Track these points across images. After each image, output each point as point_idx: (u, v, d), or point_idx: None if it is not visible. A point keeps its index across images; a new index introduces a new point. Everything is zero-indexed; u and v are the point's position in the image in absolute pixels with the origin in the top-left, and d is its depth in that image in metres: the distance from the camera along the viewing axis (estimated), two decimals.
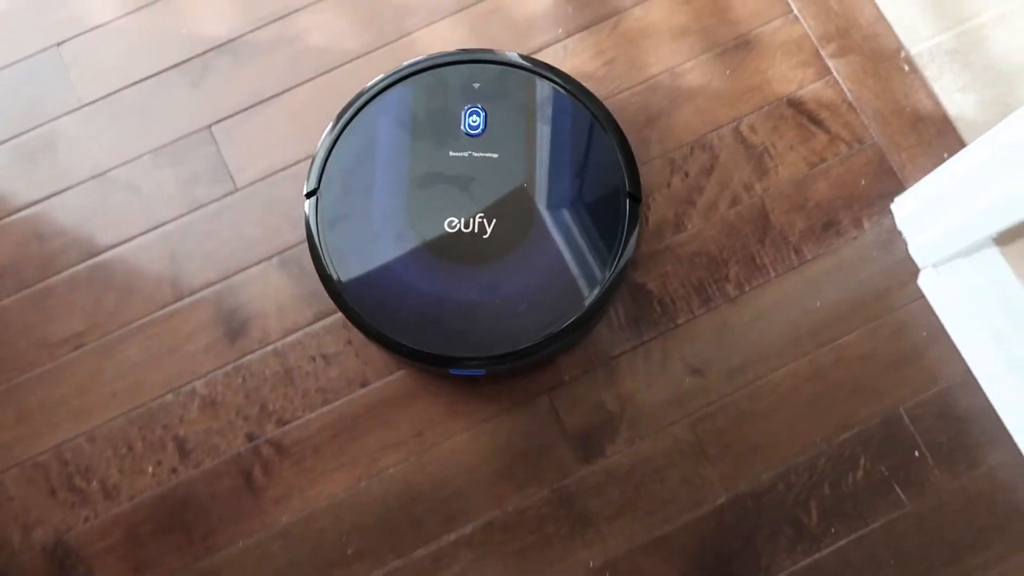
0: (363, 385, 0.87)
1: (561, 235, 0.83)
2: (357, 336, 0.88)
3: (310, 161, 0.86)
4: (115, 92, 0.95)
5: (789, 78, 0.94)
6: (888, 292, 0.88)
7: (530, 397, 0.86)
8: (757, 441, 0.85)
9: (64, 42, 0.97)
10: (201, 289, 0.90)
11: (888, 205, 0.90)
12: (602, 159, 0.85)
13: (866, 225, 0.90)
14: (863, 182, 0.91)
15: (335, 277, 0.82)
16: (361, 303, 0.82)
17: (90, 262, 0.90)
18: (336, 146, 0.85)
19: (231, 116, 0.94)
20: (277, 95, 0.95)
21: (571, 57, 0.94)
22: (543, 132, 0.85)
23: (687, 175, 0.91)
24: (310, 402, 0.87)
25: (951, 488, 0.83)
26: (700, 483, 0.84)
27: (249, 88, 0.95)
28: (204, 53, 0.96)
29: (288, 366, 0.88)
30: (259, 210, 0.91)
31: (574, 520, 0.84)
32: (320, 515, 0.84)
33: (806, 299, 0.88)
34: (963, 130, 0.92)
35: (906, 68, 0.94)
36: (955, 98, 0.93)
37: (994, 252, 0.76)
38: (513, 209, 0.83)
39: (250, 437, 0.86)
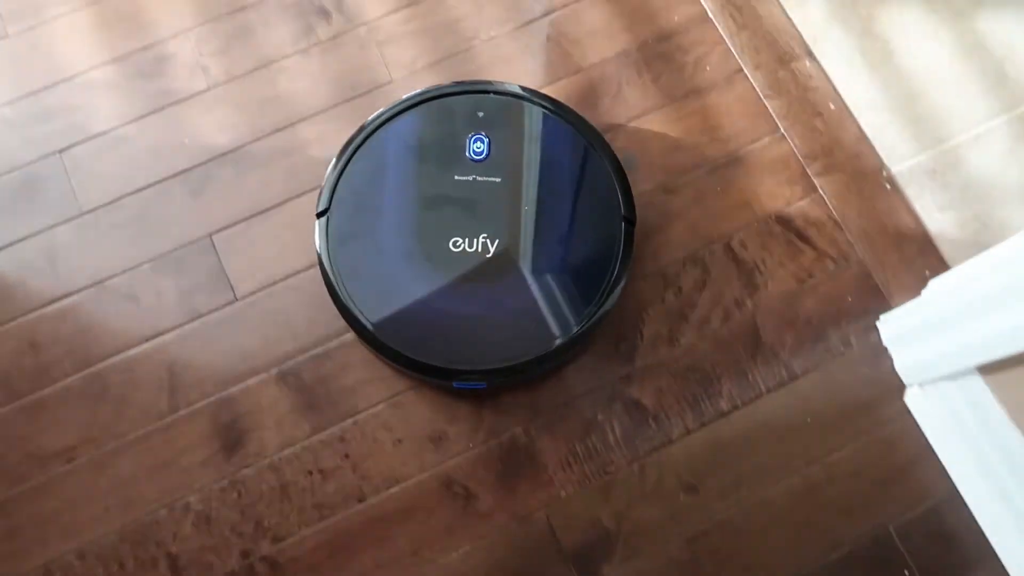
0: (360, 500, 0.87)
1: (561, 254, 0.89)
2: (354, 450, 0.88)
3: (322, 185, 0.91)
4: (116, 200, 0.96)
5: (777, 195, 0.97)
6: (877, 407, 0.90)
7: (527, 513, 0.87)
8: (751, 560, 0.85)
9: (66, 149, 0.98)
10: (198, 401, 0.90)
11: (874, 322, 0.93)
12: (598, 184, 0.91)
13: (853, 341, 0.92)
14: (850, 299, 0.93)
15: (344, 294, 0.87)
16: (368, 318, 0.86)
17: (85, 372, 0.90)
18: (346, 170, 0.91)
19: (232, 226, 0.95)
20: (277, 205, 0.96)
21: None
22: (543, 158, 0.92)
23: (680, 290, 0.93)
24: (306, 518, 0.87)
25: None
26: None
27: (250, 198, 0.96)
28: (205, 162, 0.97)
29: (284, 481, 0.87)
30: (258, 321, 0.92)
31: None
32: None
33: (797, 415, 0.90)
34: (944, 248, 0.95)
35: (888, 187, 0.97)
36: (935, 217, 0.97)
37: (977, 379, 0.79)
38: (515, 230, 0.88)
39: (244, 555, 0.85)
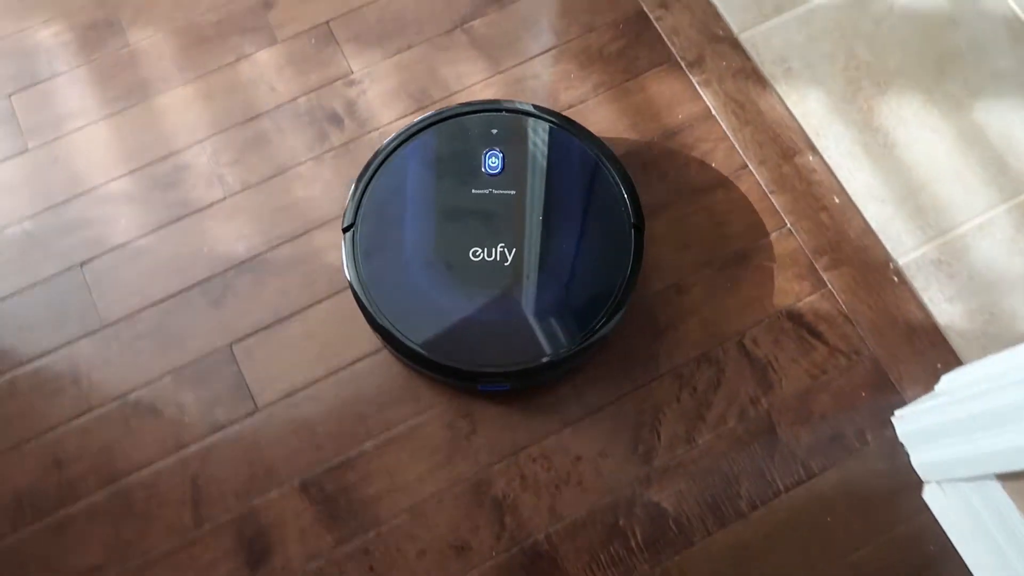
0: None
1: (575, 259, 0.94)
2: (379, 562, 0.89)
3: (347, 201, 0.96)
4: (137, 312, 0.97)
5: (787, 291, 0.99)
6: (896, 504, 0.91)
7: None
8: None
9: (87, 262, 0.99)
10: (222, 515, 0.90)
11: (889, 417, 0.94)
12: (607, 193, 0.97)
13: (869, 437, 0.93)
14: (863, 394, 0.95)
15: (371, 303, 0.92)
16: (395, 325, 0.91)
17: (109, 489, 0.91)
18: (370, 186, 0.97)
19: (251, 335, 0.97)
20: (295, 313, 0.97)
21: None
22: (554, 170, 0.97)
23: (695, 390, 0.95)
24: None
25: None
26: None
27: (268, 307, 0.98)
28: (224, 272, 0.99)
29: None
30: (280, 431, 0.93)
31: None
32: None
33: (816, 513, 0.91)
34: (954, 340, 0.97)
35: (896, 279, 0.99)
36: (944, 308, 0.98)
37: (996, 485, 0.80)
38: (531, 239, 0.94)
39: None
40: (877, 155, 1.04)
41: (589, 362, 0.95)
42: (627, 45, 1.09)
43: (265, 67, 1.08)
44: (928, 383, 0.94)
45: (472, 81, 1.07)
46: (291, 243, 1.00)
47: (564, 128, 0.99)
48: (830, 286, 0.99)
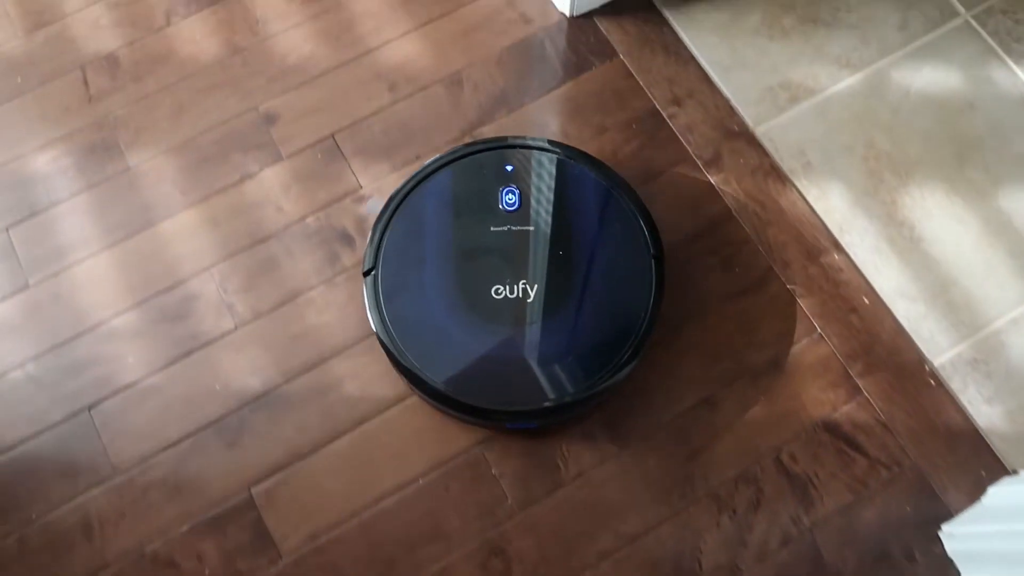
0: None
1: (598, 292, 0.93)
2: None
3: (366, 244, 0.96)
4: (149, 457, 0.93)
5: (822, 400, 0.96)
6: None
7: None
8: None
9: (95, 404, 0.95)
10: None
11: (936, 531, 0.90)
12: (626, 224, 0.96)
13: (918, 555, 0.90)
14: (908, 508, 0.91)
15: (395, 346, 0.91)
16: (419, 365, 0.90)
17: None
18: (388, 229, 0.96)
19: (270, 476, 0.93)
20: (315, 450, 0.94)
21: None
22: (571, 204, 0.97)
23: (735, 512, 0.91)
24: None
25: None
26: None
27: (287, 444, 0.94)
28: (238, 409, 0.95)
29: None
30: None
31: None
32: None
33: None
34: (997, 444, 0.94)
35: (932, 382, 0.96)
36: (983, 410, 0.95)
37: None
38: (552, 274, 0.93)
39: None
40: (904, 250, 1.02)
41: (625, 488, 0.92)
42: (641, 146, 1.06)
43: (271, 186, 1.05)
44: (973, 492, 0.91)
45: None
46: (307, 374, 0.97)
47: (577, 161, 0.99)
48: (866, 393, 0.96)
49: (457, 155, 0.99)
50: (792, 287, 1.00)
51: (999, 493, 0.87)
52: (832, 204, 1.04)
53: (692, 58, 1.11)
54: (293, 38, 1.12)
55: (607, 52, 1.11)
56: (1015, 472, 0.92)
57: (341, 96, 1.09)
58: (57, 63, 1.11)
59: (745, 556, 0.90)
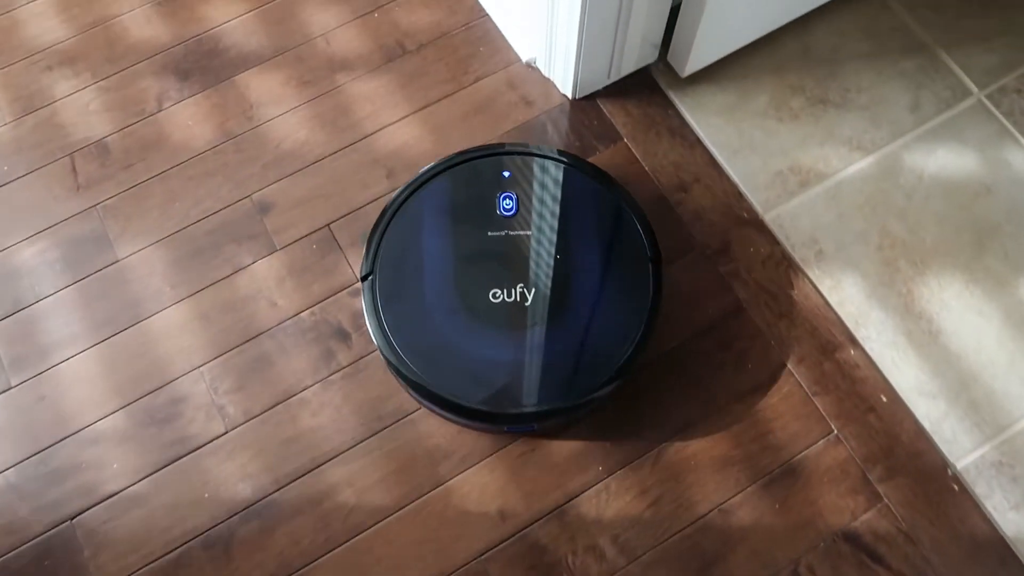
0: None
1: (596, 297, 0.93)
2: None
3: (364, 250, 0.96)
4: (134, 571, 0.89)
5: (841, 508, 0.91)
6: None
7: None
8: None
9: (78, 515, 0.91)
10: None
11: None
12: (623, 228, 0.96)
13: None
14: None
15: (393, 348, 0.90)
16: (417, 369, 0.90)
17: None
18: (386, 233, 0.95)
19: None
20: (308, 563, 0.88)
21: (615, 499, 0.91)
22: (567, 208, 0.97)
23: None
24: None
25: None
26: None
27: (279, 557, 0.89)
28: (228, 519, 0.91)
29: None
30: None
31: None
32: None
33: None
34: None
35: (955, 487, 0.92)
36: (1010, 518, 0.91)
37: None
38: (549, 278, 0.93)
39: None
40: (922, 344, 0.98)
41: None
42: None
43: (264, 279, 1.01)
44: None
45: None
46: (300, 481, 0.92)
47: (572, 166, 0.99)
48: (887, 500, 0.91)
49: (453, 162, 0.99)
50: (807, 384, 0.96)
51: None
52: (846, 295, 1.00)
53: (698, 141, 1.08)
54: (288, 123, 1.09)
55: (611, 135, 1.08)
56: None
57: (337, 183, 1.06)
58: (45, 150, 1.08)
59: None
